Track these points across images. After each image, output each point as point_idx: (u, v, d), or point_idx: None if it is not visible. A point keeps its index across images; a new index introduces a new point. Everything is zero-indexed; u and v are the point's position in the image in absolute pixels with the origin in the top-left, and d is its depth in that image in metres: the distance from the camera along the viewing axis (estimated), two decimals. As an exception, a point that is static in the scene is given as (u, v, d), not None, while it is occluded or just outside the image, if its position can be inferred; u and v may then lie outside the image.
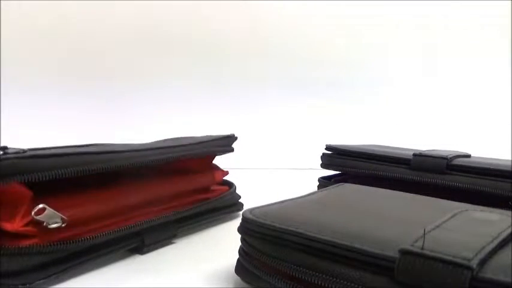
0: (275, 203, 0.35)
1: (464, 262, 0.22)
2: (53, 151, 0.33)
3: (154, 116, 0.87)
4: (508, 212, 0.31)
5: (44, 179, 0.31)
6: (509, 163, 0.48)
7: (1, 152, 0.31)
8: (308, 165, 0.71)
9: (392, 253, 0.25)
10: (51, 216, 0.32)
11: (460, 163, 0.49)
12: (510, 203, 0.43)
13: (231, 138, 0.52)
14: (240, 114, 0.88)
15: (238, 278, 0.33)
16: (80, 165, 0.34)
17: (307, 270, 0.27)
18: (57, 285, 0.33)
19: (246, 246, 0.32)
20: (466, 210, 0.31)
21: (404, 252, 0.24)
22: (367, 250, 0.25)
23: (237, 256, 0.34)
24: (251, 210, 0.33)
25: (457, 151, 0.53)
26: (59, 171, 0.32)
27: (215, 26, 0.86)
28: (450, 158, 0.49)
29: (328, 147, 0.58)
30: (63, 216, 0.33)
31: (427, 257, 0.24)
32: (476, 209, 0.32)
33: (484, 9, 0.87)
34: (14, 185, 0.31)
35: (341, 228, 0.29)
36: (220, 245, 0.42)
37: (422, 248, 0.24)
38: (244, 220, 0.32)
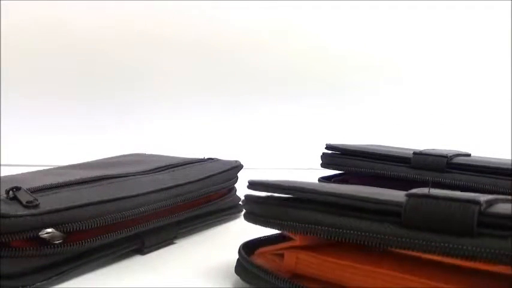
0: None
1: (473, 198, 0.23)
2: (85, 200, 0.34)
3: (155, 116, 0.87)
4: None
5: (81, 228, 0.33)
6: (509, 162, 0.48)
7: (12, 195, 0.32)
8: (308, 165, 0.71)
9: (400, 199, 0.25)
10: (55, 236, 0.33)
11: (460, 161, 0.49)
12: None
13: (237, 168, 0.51)
14: (240, 114, 0.88)
15: (238, 277, 0.33)
16: (112, 213, 0.35)
17: (313, 226, 0.27)
18: (58, 286, 0.33)
19: (250, 217, 0.32)
20: None
21: (412, 195, 0.24)
22: (374, 197, 0.25)
23: (237, 256, 0.34)
24: (254, 180, 0.33)
25: (457, 150, 0.53)
26: (95, 220, 0.34)
27: (215, 26, 0.86)
28: (450, 156, 0.49)
29: (328, 147, 0.58)
30: (64, 235, 0.33)
31: (434, 197, 0.23)
32: None
33: (484, 9, 0.87)
34: None
35: (345, 188, 0.29)
36: (220, 245, 0.42)
37: (429, 192, 0.24)
38: (251, 184, 0.32)
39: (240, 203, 0.50)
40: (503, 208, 0.23)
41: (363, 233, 0.25)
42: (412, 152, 0.52)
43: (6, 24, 0.81)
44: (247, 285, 0.33)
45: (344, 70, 0.89)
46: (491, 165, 0.47)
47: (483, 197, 0.23)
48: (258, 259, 0.33)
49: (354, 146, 0.58)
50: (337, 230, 0.26)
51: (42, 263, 0.32)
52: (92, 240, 0.35)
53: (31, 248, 0.31)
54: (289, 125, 0.88)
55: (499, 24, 0.88)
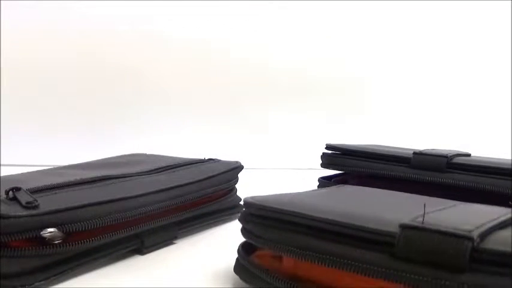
0: (276, 194, 0.35)
1: (465, 233, 0.22)
2: (85, 201, 0.34)
3: (155, 116, 0.87)
4: (508, 209, 0.31)
5: (81, 229, 0.33)
6: (509, 161, 0.48)
7: (12, 195, 0.32)
8: (308, 165, 0.71)
9: (393, 229, 0.24)
10: (55, 236, 0.33)
11: (460, 161, 0.49)
12: (510, 202, 0.43)
13: (238, 169, 0.51)
14: (241, 114, 0.88)
15: (237, 277, 0.33)
16: (111, 214, 0.36)
17: (308, 252, 0.27)
18: (57, 286, 0.33)
19: (246, 234, 0.32)
20: (466, 204, 0.31)
21: (405, 227, 0.24)
22: (367, 226, 0.25)
23: (236, 256, 0.34)
24: (253, 197, 0.33)
25: (457, 150, 0.53)
26: (94, 221, 0.34)
27: (217, 28, 0.86)
28: (450, 156, 0.49)
29: (328, 147, 0.58)
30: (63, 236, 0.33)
31: (428, 230, 0.23)
32: (476, 204, 0.32)
33: (484, 9, 0.87)
34: None
35: (342, 210, 0.29)
36: (219, 245, 0.42)
37: (422, 223, 0.24)
38: (246, 205, 0.32)
39: (240, 210, 0.50)
40: (498, 240, 0.23)
41: (356, 263, 0.25)
42: (412, 152, 0.52)
43: (7, 22, 0.81)
44: (246, 285, 0.33)
45: (344, 70, 0.89)
46: (491, 165, 0.46)
47: (477, 230, 0.23)
48: (257, 259, 0.33)
49: (354, 146, 0.58)
50: (330, 257, 0.26)
51: (42, 262, 0.32)
52: (91, 240, 0.34)
53: (30, 248, 0.31)
54: (289, 125, 0.88)
55: (499, 24, 0.88)
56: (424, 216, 0.25)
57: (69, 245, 0.33)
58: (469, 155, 0.53)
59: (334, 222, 0.27)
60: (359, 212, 0.28)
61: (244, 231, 0.32)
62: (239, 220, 0.33)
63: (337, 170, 0.58)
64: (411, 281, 0.23)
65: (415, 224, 0.24)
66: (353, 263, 0.25)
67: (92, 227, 0.34)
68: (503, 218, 0.26)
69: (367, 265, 0.24)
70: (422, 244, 0.23)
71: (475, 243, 0.22)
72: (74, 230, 0.33)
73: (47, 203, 0.33)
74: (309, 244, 0.27)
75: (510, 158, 0.52)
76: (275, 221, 0.30)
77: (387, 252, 0.24)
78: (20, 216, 0.30)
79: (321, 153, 0.59)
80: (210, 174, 0.47)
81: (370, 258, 0.25)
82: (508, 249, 0.21)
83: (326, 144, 0.59)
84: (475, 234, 0.22)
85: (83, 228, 0.34)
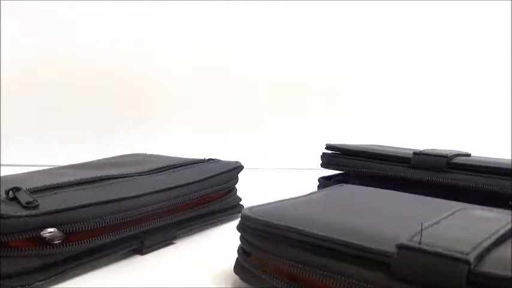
0: (274, 202, 0.35)
1: (462, 256, 0.22)
2: (84, 201, 0.34)
3: (155, 116, 0.87)
4: (508, 211, 0.31)
5: (81, 229, 0.33)
6: (509, 162, 0.48)
7: (12, 195, 0.33)
8: (308, 165, 0.71)
9: (390, 248, 0.25)
10: (55, 236, 0.33)
11: (460, 161, 0.49)
12: (510, 202, 0.43)
13: (238, 169, 0.51)
14: (240, 114, 0.88)
15: (237, 277, 0.33)
16: (111, 214, 0.36)
17: (304, 267, 0.27)
18: (57, 286, 0.33)
19: (245, 244, 0.32)
20: (465, 208, 0.31)
21: (402, 247, 0.24)
22: (364, 245, 0.25)
23: (236, 256, 0.34)
24: (250, 209, 0.33)
25: (457, 150, 0.53)
26: (94, 221, 0.34)
27: (217, 35, 0.86)
28: (450, 156, 0.49)
29: (328, 147, 0.58)
30: (63, 236, 0.33)
31: (424, 251, 0.23)
32: (475, 208, 0.32)
33: (484, 9, 0.87)
34: None
35: (339, 225, 0.29)
36: (219, 245, 0.42)
37: (419, 243, 0.24)
38: (244, 218, 0.32)
39: (240, 210, 0.50)
40: (496, 262, 0.23)
41: (354, 281, 0.25)
42: (412, 152, 0.52)
43: (7, 22, 0.81)
44: (246, 285, 0.33)
45: (344, 70, 0.89)
46: (491, 165, 0.47)
47: (475, 251, 0.23)
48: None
49: (354, 146, 0.58)
50: (326, 273, 0.26)
51: (42, 262, 0.32)
52: (91, 240, 0.34)
53: (30, 248, 0.31)
54: (289, 125, 0.88)
55: (499, 24, 0.88)
56: (421, 234, 0.25)
57: (69, 245, 0.33)
58: (469, 155, 0.53)
59: (330, 239, 0.27)
60: (356, 226, 0.28)
61: (242, 239, 0.33)
62: (237, 229, 0.33)
63: (337, 170, 0.58)
64: None
65: (412, 244, 0.24)
66: (350, 280, 0.25)
67: (92, 227, 0.34)
68: (502, 231, 0.26)
69: (365, 283, 0.25)
70: (419, 265, 0.23)
71: (472, 266, 0.22)
72: (74, 230, 0.33)
73: (47, 203, 0.33)
74: (305, 258, 0.27)
75: (510, 158, 0.52)
76: (272, 234, 0.30)
77: (384, 271, 0.24)
78: (20, 216, 0.31)
79: (321, 153, 0.59)
80: (210, 174, 0.47)
81: (367, 276, 0.25)
82: (505, 272, 0.21)
83: (326, 144, 0.59)
84: (472, 257, 0.22)
85: (83, 228, 0.34)
